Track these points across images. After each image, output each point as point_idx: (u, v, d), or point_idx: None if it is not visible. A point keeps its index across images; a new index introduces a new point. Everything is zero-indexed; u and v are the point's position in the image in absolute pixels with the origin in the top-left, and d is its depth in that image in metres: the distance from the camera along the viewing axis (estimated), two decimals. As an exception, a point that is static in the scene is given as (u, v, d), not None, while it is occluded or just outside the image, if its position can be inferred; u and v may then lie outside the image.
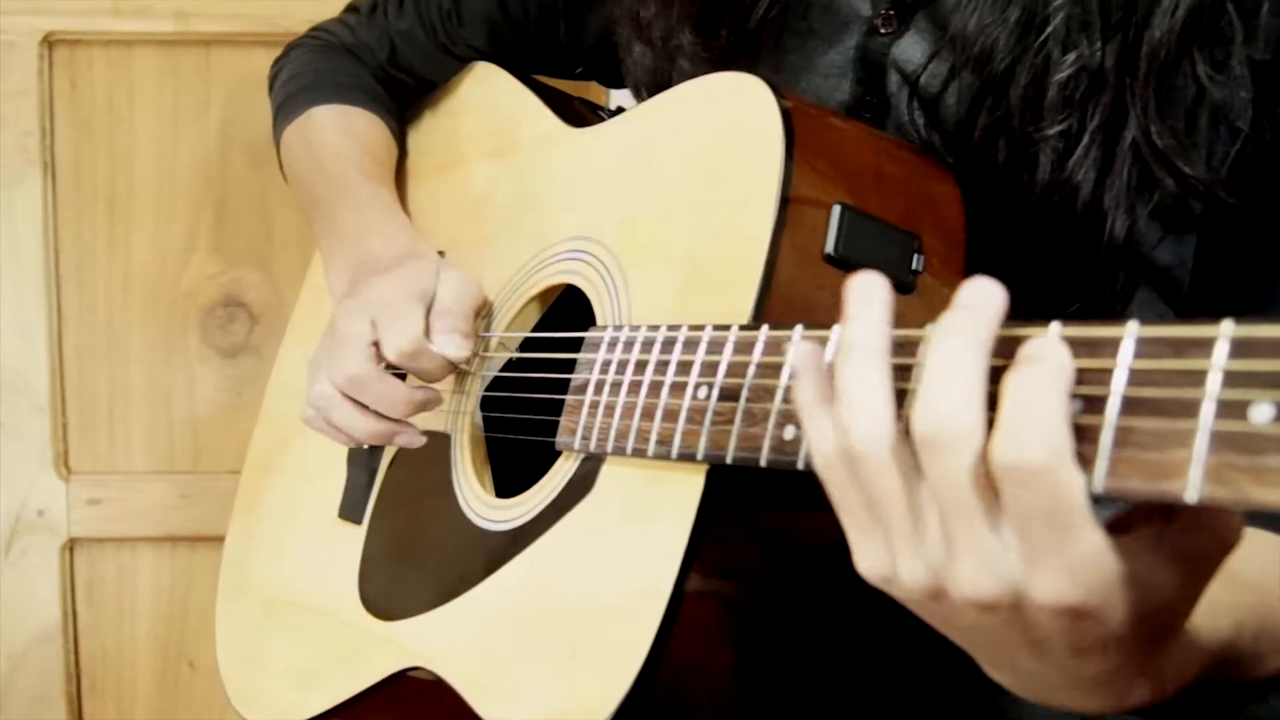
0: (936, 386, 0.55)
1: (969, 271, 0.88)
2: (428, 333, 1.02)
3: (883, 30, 0.96)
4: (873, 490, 0.59)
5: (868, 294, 0.59)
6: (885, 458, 0.57)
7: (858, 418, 0.58)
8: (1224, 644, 0.66)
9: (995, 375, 0.55)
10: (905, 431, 0.57)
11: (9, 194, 1.73)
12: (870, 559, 0.61)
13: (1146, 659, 0.60)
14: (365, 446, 1.16)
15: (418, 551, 1.06)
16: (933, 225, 0.85)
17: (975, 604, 0.57)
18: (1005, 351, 0.56)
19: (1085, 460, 0.52)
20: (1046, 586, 0.55)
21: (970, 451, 0.54)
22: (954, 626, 0.62)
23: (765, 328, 0.73)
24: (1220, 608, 0.66)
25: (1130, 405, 0.51)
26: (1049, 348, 0.54)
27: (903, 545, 0.59)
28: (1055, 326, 0.55)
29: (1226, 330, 0.48)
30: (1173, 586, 0.57)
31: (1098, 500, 0.53)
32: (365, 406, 1.04)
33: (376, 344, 1.02)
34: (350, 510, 1.17)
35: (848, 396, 0.58)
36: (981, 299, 0.56)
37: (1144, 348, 0.52)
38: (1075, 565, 0.54)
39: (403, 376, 1.06)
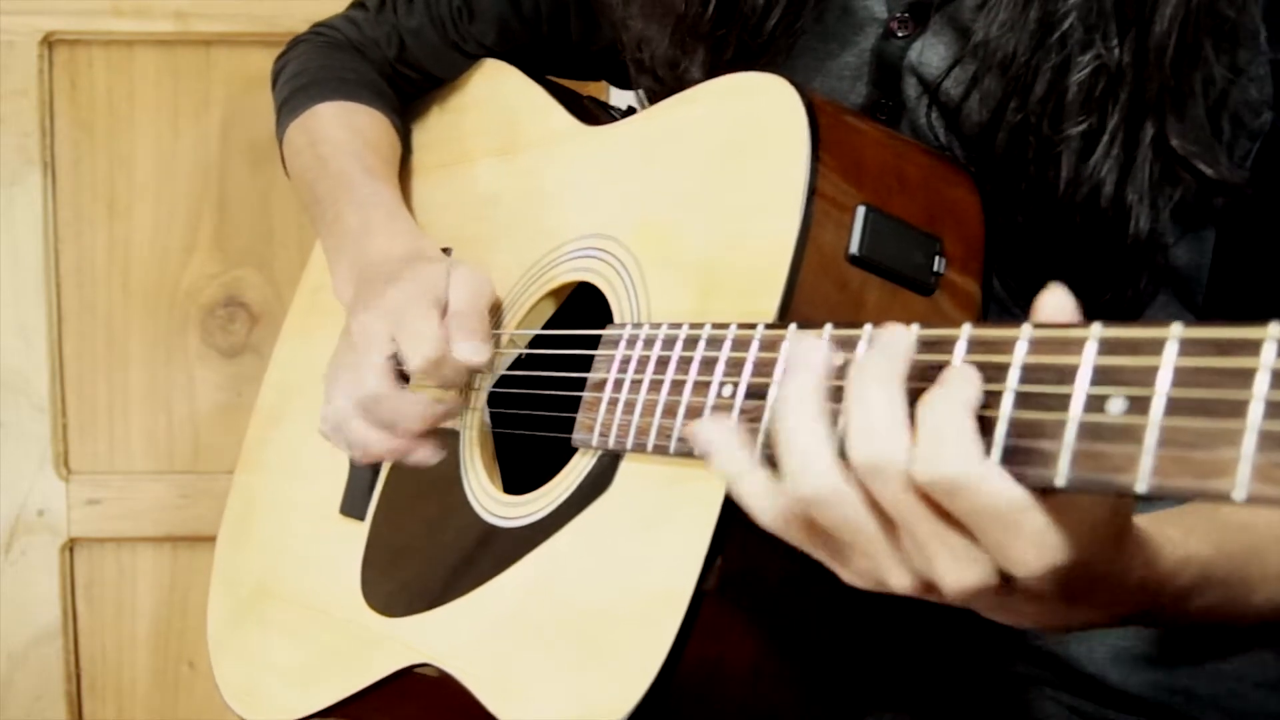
0: (861, 422, 0.61)
1: (1000, 275, 0.90)
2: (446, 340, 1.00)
3: (899, 33, 0.96)
4: (839, 525, 0.63)
5: (806, 357, 0.64)
6: (840, 493, 0.62)
7: (803, 466, 0.63)
8: (1190, 560, 0.72)
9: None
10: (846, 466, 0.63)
11: (9, 194, 1.73)
12: (854, 576, 0.67)
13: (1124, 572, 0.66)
14: None
15: (425, 547, 1.05)
16: (953, 228, 0.85)
17: (965, 593, 0.63)
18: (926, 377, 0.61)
19: (1129, 460, 0.53)
20: (1020, 563, 0.60)
21: (900, 471, 0.60)
22: (955, 603, 0.66)
23: (794, 326, 0.73)
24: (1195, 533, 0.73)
25: (1176, 405, 0.52)
26: (952, 370, 0.60)
27: (883, 561, 0.64)
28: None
29: (1274, 332, 0.49)
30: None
31: (1141, 499, 0.54)
32: (382, 423, 1.03)
33: (394, 356, 1.01)
34: (352, 507, 1.16)
35: (789, 446, 0.63)
36: (892, 339, 0.63)
37: (1188, 348, 0.53)
38: (1034, 540, 0.59)
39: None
